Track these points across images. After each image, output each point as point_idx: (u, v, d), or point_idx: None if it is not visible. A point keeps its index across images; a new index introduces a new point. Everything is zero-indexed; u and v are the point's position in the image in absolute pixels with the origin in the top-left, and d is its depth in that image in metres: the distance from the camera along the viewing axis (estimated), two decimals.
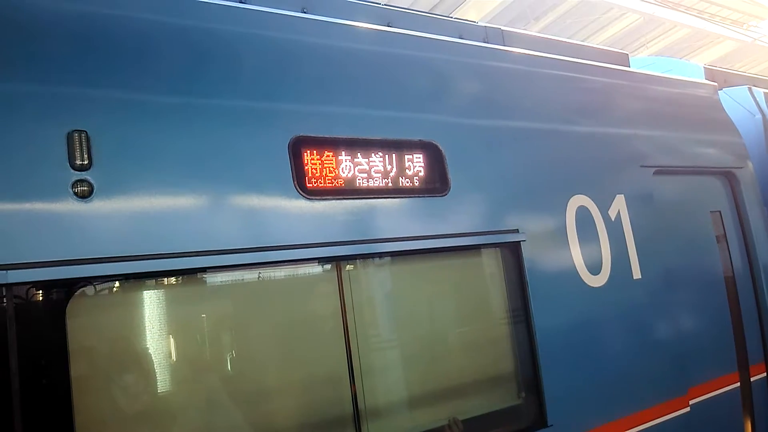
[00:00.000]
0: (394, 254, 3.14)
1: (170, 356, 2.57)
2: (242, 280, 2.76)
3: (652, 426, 3.87)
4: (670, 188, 4.53)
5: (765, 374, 4.86)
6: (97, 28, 2.57)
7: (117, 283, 2.43)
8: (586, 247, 3.78)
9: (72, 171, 2.28)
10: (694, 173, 4.86)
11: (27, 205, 2.18)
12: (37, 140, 2.25)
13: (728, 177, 5.08)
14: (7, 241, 2.11)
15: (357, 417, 2.87)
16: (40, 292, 2.19)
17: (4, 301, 2.08)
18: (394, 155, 3.14)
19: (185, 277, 2.60)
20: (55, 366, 2.16)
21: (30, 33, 2.38)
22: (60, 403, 2.15)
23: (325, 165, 2.92)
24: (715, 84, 5.55)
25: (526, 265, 3.46)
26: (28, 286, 2.14)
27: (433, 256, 3.28)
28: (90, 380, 2.32)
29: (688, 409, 4.11)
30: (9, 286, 2.08)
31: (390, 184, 3.10)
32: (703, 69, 5.97)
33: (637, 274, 4.02)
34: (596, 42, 14.53)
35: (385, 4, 4.18)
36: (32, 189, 2.20)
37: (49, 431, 2.13)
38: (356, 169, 3.01)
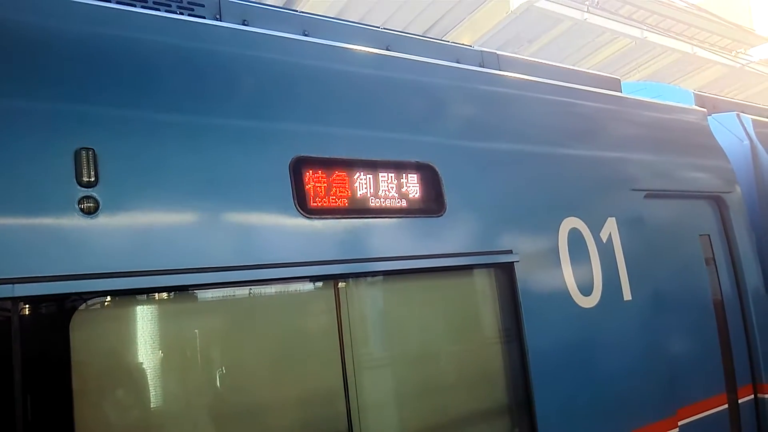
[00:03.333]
0: (391, 273, 3.19)
1: (172, 371, 2.59)
2: (244, 296, 2.79)
3: None
4: (660, 212, 4.62)
5: (752, 396, 4.92)
6: (104, 47, 2.64)
7: (120, 298, 2.47)
8: (577, 268, 3.84)
9: (79, 187, 2.33)
10: (683, 197, 4.95)
11: (34, 220, 2.23)
12: (45, 157, 2.30)
13: (717, 201, 5.18)
14: (15, 255, 2.15)
15: None
16: (46, 305, 2.22)
17: (11, 314, 2.11)
18: (391, 176, 3.21)
19: (188, 292, 2.63)
20: (58, 379, 2.19)
21: (40, 51, 2.45)
22: (63, 416, 2.17)
23: (325, 185, 2.98)
24: (705, 110, 5.66)
25: (520, 285, 3.53)
26: (34, 300, 2.18)
27: (428, 275, 3.34)
28: (93, 393, 2.35)
29: (677, 430, 4.16)
30: (15, 299, 2.12)
31: (387, 205, 3.17)
32: (693, 95, 6.11)
33: (627, 295, 4.09)
34: (589, 64, 14.71)
35: (383, 28, 4.27)
36: (40, 204, 2.25)
37: None
38: (355, 189, 3.07)
